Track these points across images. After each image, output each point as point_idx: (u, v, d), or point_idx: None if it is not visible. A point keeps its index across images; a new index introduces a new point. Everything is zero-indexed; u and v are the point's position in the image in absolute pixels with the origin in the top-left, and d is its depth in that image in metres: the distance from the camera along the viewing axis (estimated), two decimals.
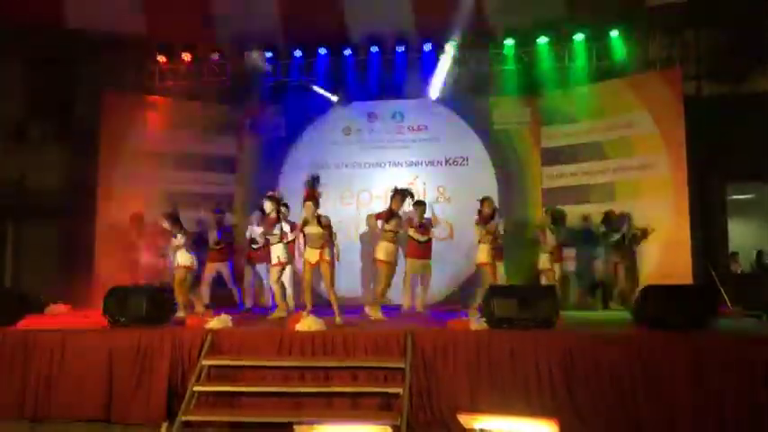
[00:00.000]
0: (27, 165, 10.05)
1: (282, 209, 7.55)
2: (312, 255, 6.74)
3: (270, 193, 7.69)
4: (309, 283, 6.81)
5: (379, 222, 7.62)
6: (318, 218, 6.74)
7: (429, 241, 8.11)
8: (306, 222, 6.79)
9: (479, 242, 7.58)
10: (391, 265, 7.40)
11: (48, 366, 5.47)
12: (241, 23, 9.28)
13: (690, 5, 8.66)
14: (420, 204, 8.01)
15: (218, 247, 8.57)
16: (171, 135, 9.84)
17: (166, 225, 7.99)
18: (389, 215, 7.40)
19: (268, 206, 7.45)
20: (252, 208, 8.82)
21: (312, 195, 6.87)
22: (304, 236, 6.91)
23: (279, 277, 7.42)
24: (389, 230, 7.37)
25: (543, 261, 8.31)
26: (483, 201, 7.74)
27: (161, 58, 9.89)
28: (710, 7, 8.79)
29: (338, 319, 6.51)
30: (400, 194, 7.46)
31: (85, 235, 9.14)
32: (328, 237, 6.78)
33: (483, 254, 7.50)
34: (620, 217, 8.58)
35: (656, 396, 4.84)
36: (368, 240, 9.61)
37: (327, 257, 6.74)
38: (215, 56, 9.88)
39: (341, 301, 6.85)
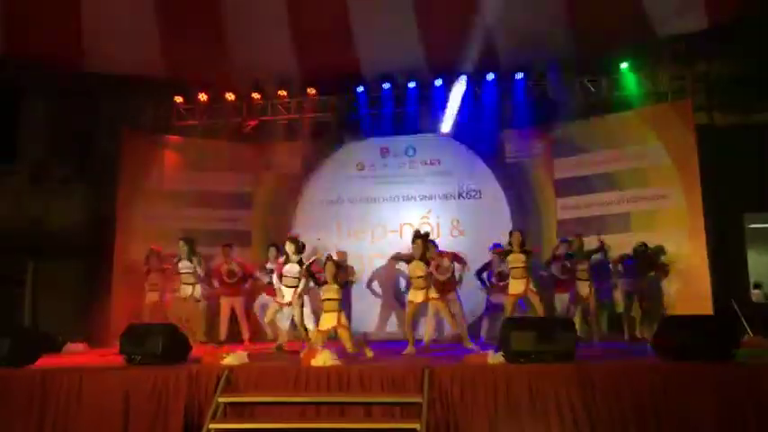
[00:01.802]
0: (47, 203, 10.22)
1: (289, 248, 7.33)
2: (329, 320, 6.44)
3: (291, 235, 7.71)
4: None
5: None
6: (336, 277, 6.51)
7: (451, 278, 7.96)
8: (324, 283, 6.54)
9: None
10: (410, 303, 7.03)
11: (65, 406, 5.43)
12: (257, 64, 9.50)
13: (700, 37, 8.72)
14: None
15: (230, 281, 8.62)
16: (189, 173, 10.02)
17: (184, 249, 8.10)
18: (408, 261, 7.10)
19: (290, 248, 7.29)
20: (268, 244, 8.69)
21: (333, 259, 6.75)
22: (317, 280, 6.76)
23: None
24: (412, 277, 7.06)
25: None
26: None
27: (178, 99, 10.12)
28: (721, 38, 8.84)
29: (369, 353, 6.45)
30: (421, 239, 7.01)
31: (104, 273, 9.22)
32: (342, 300, 6.62)
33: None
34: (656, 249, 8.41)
35: (679, 429, 4.72)
36: (382, 275, 9.62)
37: (344, 322, 6.49)
38: (231, 96, 10.08)
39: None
